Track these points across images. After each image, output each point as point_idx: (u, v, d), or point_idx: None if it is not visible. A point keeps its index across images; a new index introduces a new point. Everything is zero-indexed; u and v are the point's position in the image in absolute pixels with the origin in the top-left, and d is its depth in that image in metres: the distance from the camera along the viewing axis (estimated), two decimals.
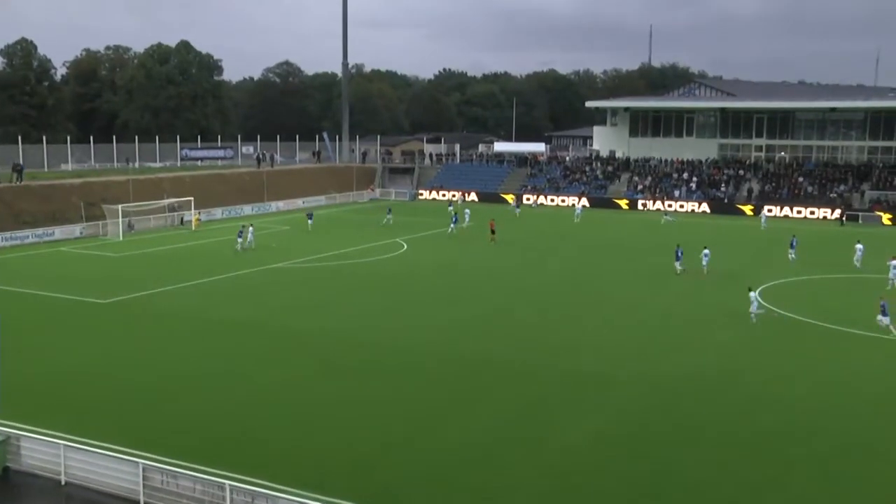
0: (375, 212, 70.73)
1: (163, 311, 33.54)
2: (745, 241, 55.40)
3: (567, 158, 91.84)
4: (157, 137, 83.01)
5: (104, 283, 39.69)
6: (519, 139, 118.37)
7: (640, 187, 79.26)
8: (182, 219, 62.39)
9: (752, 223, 65.59)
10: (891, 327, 30.23)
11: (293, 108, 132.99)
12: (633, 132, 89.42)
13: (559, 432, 20.94)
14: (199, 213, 62.10)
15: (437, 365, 26.46)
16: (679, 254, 42.24)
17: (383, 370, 25.89)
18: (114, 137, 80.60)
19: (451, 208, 67.65)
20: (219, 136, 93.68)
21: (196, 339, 29.46)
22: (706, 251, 42.45)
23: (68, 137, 75.63)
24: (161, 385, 24.31)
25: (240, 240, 50.11)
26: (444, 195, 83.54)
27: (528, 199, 78.56)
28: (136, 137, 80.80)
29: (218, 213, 67.06)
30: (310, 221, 58.25)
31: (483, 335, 29.98)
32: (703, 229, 61.91)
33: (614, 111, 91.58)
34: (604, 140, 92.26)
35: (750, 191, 74.82)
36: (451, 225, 58.32)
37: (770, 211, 69.74)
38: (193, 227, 59.45)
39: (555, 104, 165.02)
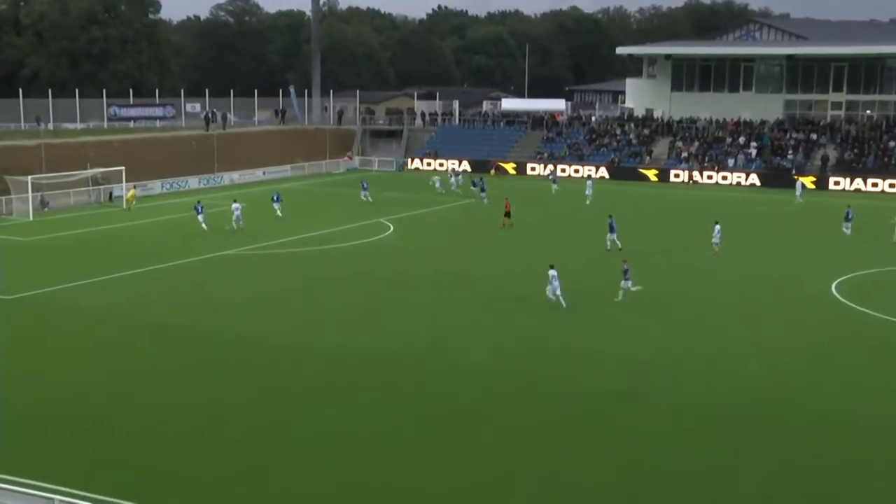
0: (354, 185, 70.21)
1: (81, 311, 33.22)
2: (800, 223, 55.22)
3: (593, 119, 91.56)
4: (76, 92, 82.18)
5: (8, 273, 39.16)
6: (533, 95, 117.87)
7: (684, 154, 79.02)
8: (111, 194, 61.84)
9: (813, 199, 65.38)
10: None
11: (250, 56, 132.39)
12: (676, 86, 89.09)
13: (576, 458, 20.85)
14: (136, 186, 61.52)
15: (424, 379, 26.40)
16: (613, 225, 44.32)
17: (349, 387, 25.72)
18: (19, 91, 79.75)
19: (436, 185, 67.19)
20: (156, 91, 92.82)
21: (121, 346, 29.23)
22: (717, 227, 44.00)
23: None
24: (81, 404, 24.05)
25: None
26: (441, 164, 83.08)
27: (563, 171, 78.52)
28: (50, 92, 79.97)
29: (156, 186, 66.49)
30: (276, 205, 54.50)
31: (480, 343, 29.85)
32: (740, 207, 62.22)
33: (652, 59, 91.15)
34: (639, 96, 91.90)
35: (825, 159, 74.47)
36: (482, 194, 60.83)
37: (838, 183, 69.50)
38: (126, 205, 58.87)
39: (577, 51, 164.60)
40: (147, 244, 46.37)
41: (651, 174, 77.27)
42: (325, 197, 63.05)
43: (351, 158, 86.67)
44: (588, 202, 60.78)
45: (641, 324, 32.00)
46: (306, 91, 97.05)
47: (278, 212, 54.19)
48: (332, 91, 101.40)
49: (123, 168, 61.18)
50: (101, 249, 45.05)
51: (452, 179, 68.14)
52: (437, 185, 66.64)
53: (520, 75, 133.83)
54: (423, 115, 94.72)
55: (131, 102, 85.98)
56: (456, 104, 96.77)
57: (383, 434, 22.26)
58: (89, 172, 61.27)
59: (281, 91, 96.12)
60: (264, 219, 54.22)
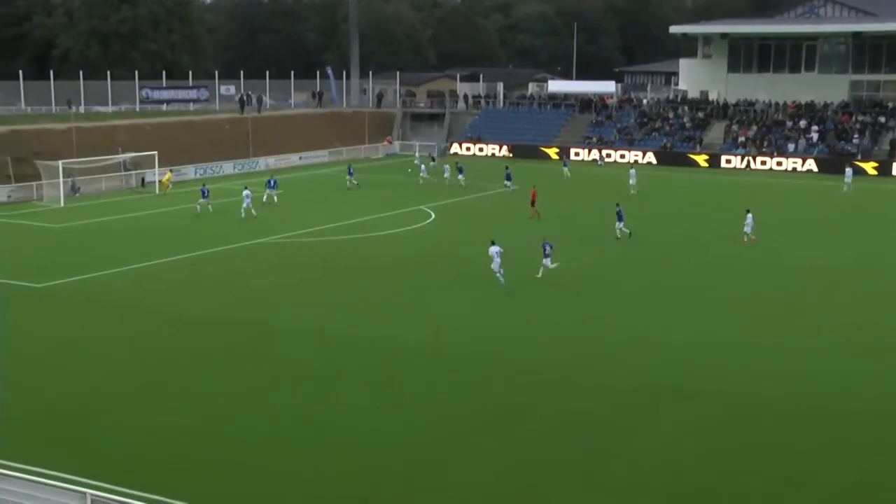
0: (394, 171, 70.43)
1: (112, 300, 33.60)
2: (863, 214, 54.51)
3: (644, 101, 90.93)
4: (108, 73, 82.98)
5: (39, 261, 39.82)
6: (581, 76, 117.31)
7: (741, 139, 78.24)
8: (143, 179, 62.50)
9: (875, 186, 64.44)
10: None
11: (286, 37, 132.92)
12: (734, 66, 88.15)
13: (608, 459, 20.77)
14: (171, 170, 62.07)
15: (454, 370, 26.50)
16: (620, 213, 44.51)
17: (382, 379, 25.88)
18: (50, 73, 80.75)
19: (419, 162, 67.72)
20: (189, 73, 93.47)
21: (151, 336, 29.54)
22: (749, 215, 44.09)
23: None
24: (103, 398, 24.35)
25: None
26: (481, 150, 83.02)
27: (608, 156, 78.29)
28: (81, 73, 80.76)
29: (189, 171, 67.08)
30: (273, 192, 54.85)
31: (516, 336, 29.84)
32: (790, 194, 61.75)
33: (707, 39, 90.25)
34: (693, 77, 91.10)
35: (894, 143, 73.30)
36: (508, 183, 59.77)
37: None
38: (160, 190, 59.45)
39: (628, 30, 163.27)
40: (180, 232, 46.85)
41: (701, 160, 76.72)
42: (363, 183, 63.13)
43: (391, 143, 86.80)
44: (633, 192, 59.35)
45: (672, 311, 31.93)
46: (344, 72, 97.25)
47: (274, 198, 54.39)
48: (370, 72, 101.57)
49: (156, 153, 61.79)
50: (132, 237, 45.55)
51: (428, 164, 68.40)
52: (423, 171, 65.45)
53: (567, 55, 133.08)
54: (465, 97, 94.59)
55: (164, 85, 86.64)
56: (500, 86, 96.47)
57: (417, 427, 22.38)
58: (121, 157, 61.99)
59: (318, 73, 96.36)
60: (300, 206, 54.56)
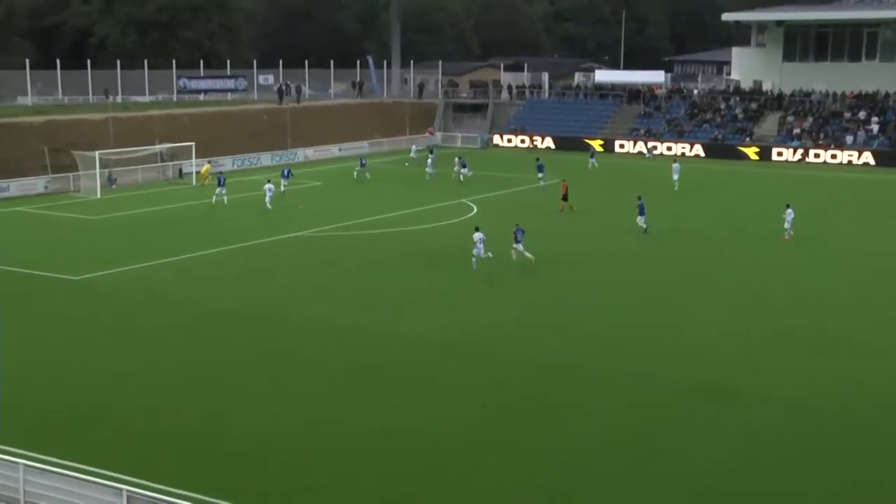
0: (437, 162, 70.30)
1: (148, 293, 33.95)
2: None
3: (695, 92, 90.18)
4: (145, 62, 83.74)
5: (76, 253, 40.30)
6: (629, 66, 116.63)
7: (795, 131, 77.31)
8: (180, 171, 63.00)
9: None
10: None
11: (326, 25, 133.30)
12: (789, 55, 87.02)
13: (665, 461, 20.62)
14: (209, 162, 62.51)
15: (500, 369, 26.47)
16: (642, 207, 44.30)
17: (420, 375, 25.98)
18: (87, 62, 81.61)
19: (415, 156, 67.27)
20: (227, 62, 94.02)
21: (188, 331, 29.84)
22: (789, 210, 43.56)
23: (26, 62, 76.51)
24: (143, 392, 24.57)
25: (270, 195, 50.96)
26: (522, 141, 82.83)
27: (654, 148, 77.73)
28: (118, 62, 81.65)
29: (227, 163, 67.51)
30: (284, 181, 55.80)
31: (563, 334, 29.84)
32: (843, 188, 61.07)
33: (762, 26, 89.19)
34: (746, 67, 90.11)
35: None
36: (540, 175, 58.72)
37: None
38: (198, 182, 59.86)
39: (678, 18, 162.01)
40: (217, 224, 47.21)
41: (751, 153, 76.00)
42: (404, 175, 63.30)
43: (432, 134, 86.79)
44: (676, 188, 58.40)
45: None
46: (385, 62, 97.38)
47: (281, 187, 54.67)
48: (412, 62, 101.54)
49: (193, 144, 62.27)
50: (169, 229, 45.99)
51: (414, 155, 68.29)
52: (430, 165, 64.27)
53: (615, 44, 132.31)
54: (509, 87, 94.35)
55: (201, 74, 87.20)
56: (545, 76, 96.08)
57: (457, 426, 22.40)
58: (158, 148, 62.53)
59: (358, 62, 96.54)
60: (340, 198, 54.75)
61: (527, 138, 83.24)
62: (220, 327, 30.12)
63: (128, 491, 17.49)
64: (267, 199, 50.27)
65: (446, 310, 32.27)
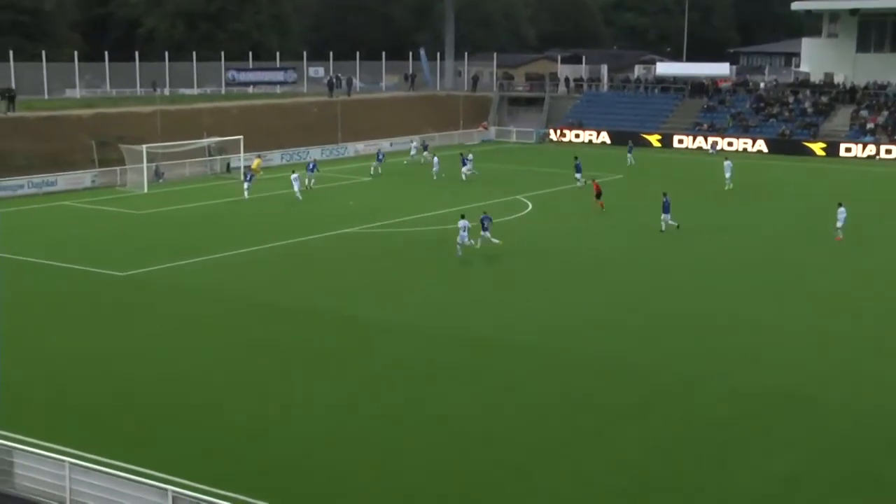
0: (490, 158, 70.33)
1: (196, 289, 34.47)
2: None
3: (761, 85, 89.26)
4: (193, 54, 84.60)
5: (122, 249, 40.92)
6: (692, 58, 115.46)
7: (869, 126, 76.26)
8: (228, 165, 63.62)
9: None
10: None
11: (378, 16, 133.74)
12: (863, 46, 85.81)
13: (735, 474, 20.42)
14: (260, 156, 63.09)
15: (554, 372, 26.49)
16: (667, 204, 44.29)
17: (481, 376, 26.12)
18: (135, 54, 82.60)
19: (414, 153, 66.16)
20: (277, 54, 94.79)
21: (238, 328, 30.18)
22: (842, 209, 43.21)
23: (75, 53, 77.77)
24: (189, 390, 24.97)
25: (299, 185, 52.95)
26: (577, 136, 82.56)
27: (714, 143, 77.21)
28: (167, 54, 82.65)
29: (276, 157, 68.07)
30: (310, 174, 57.03)
31: (614, 335, 29.86)
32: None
33: (834, 15, 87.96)
34: (817, 58, 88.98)
35: None
36: (577, 175, 58.08)
37: None
38: (255, 174, 60.40)
39: (744, 7, 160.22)
40: (265, 220, 47.62)
41: (818, 149, 75.16)
42: (458, 171, 63.18)
43: (486, 128, 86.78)
44: (728, 187, 57.40)
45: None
46: (438, 54, 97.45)
47: (310, 181, 55.82)
48: (466, 54, 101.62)
49: (241, 137, 62.86)
50: (217, 225, 46.53)
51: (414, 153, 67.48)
52: (436, 164, 62.57)
53: (677, 35, 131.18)
54: (566, 80, 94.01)
55: (250, 66, 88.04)
56: (604, 69, 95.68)
57: (507, 427, 22.51)
58: (205, 142, 63.18)
59: (410, 54, 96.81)
60: (392, 194, 54.98)
61: (582, 133, 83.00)
62: (267, 324, 30.43)
63: (173, 491, 17.78)
64: (296, 189, 52.11)
65: (498, 308, 32.38)
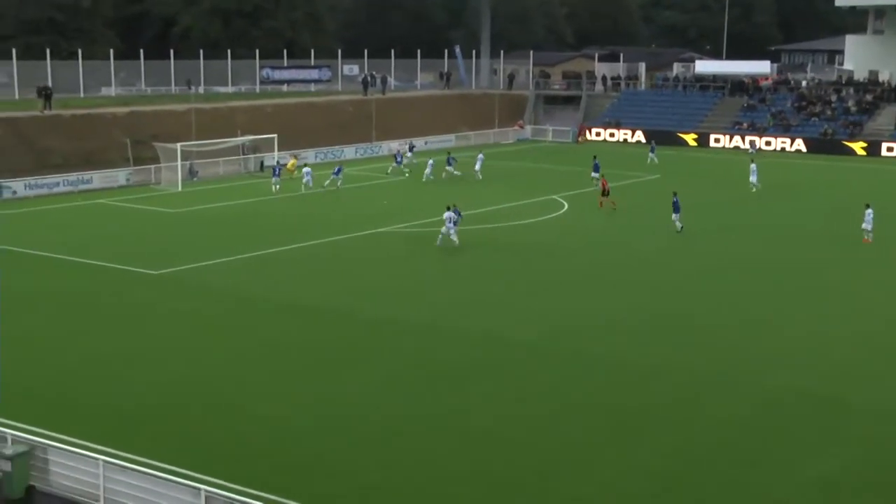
0: (526, 157, 70.40)
1: (227, 288, 34.72)
2: None
3: (803, 83, 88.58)
4: (228, 52, 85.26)
5: (156, 247, 41.32)
6: (732, 56, 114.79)
7: None
8: (262, 163, 64.02)
9: None
10: None
11: (413, 13, 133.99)
12: None
13: (767, 479, 20.30)
14: (296, 156, 63.48)
15: (577, 374, 26.54)
16: (677, 204, 44.20)
17: (495, 377, 26.20)
18: (171, 52, 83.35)
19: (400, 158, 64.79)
20: (311, 52, 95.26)
21: (266, 328, 30.41)
22: (869, 210, 42.80)
23: (111, 52, 78.64)
24: (218, 390, 25.19)
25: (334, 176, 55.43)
26: (612, 135, 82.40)
27: (751, 143, 76.87)
28: (201, 52, 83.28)
29: (310, 156, 68.45)
30: (336, 176, 56.90)
31: (640, 336, 29.85)
32: None
33: (880, 11, 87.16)
34: (861, 56, 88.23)
35: None
36: (594, 175, 57.35)
37: None
38: (285, 176, 60.74)
39: (787, 4, 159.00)
40: (298, 219, 47.89)
41: (858, 148, 74.64)
42: (493, 170, 63.35)
43: (522, 127, 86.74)
44: (754, 190, 56.58)
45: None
46: (473, 52, 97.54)
47: (338, 184, 56.15)
48: (501, 52, 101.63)
49: (275, 136, 63.26)
50: (250, 224, 46.80)
51: (407, 155, 66.40)
52: (428, 168, 60.94)
53: (717, 33, 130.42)
54: (604, 78, 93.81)
55: (285, 64, 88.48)
56: (642, 67, 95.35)
57: (534, 429, 22.55)
58: (239, 140, 63.62)
59: (446, 52, 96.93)
60: (425, 194, 55.10)
61: (616, 132, 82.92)
62: (299, 324, 30.66)
63: (206, 491, 17.98)
64: (308, 180, 55.32)
65: (523, 309, 32.46)
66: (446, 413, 23.61)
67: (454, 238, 40.61)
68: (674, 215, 44.49)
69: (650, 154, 68.69)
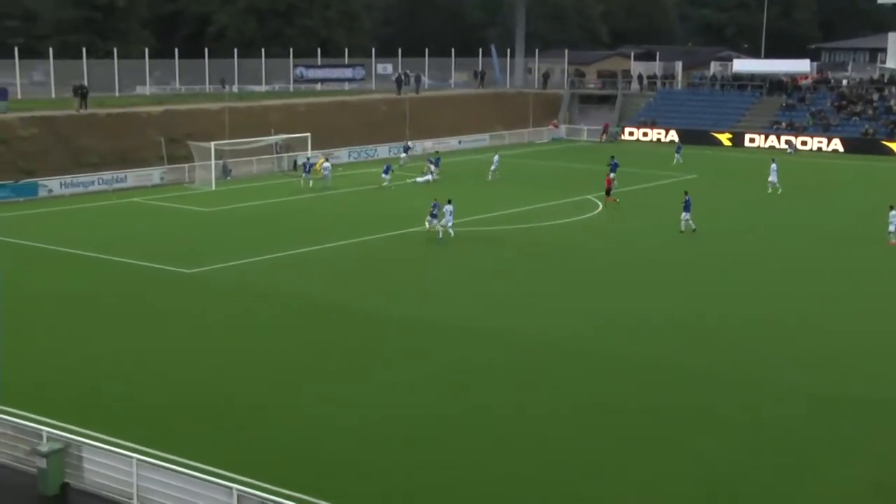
0: (560, 156, 70.34)
1: (259, 287, 34.98)
2: None
3: (844, 82, 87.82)
4: (262, 51, 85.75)
5: (190, 246, 41.71)
6: (770, 55, 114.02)
7: None
8: (295, 163, 64.37)
9: None
10: None
11: (447, 11, 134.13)
12: None
13: (813, 483, 20.32)
14: (327, 158, 63.68)
15: (615, 375, 26.60)
16: (688, 203, 44.33)
17: (531, 377, 26.27)
18: (205, 51, 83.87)
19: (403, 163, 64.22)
20: (345, 50, 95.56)
21: (298, 328, 30.70)
22: (893, 212, 42.60)
23: (146, 51, 79.31)
24: (252, 389, 25.40)
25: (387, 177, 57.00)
26: (645, 135, 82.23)
27: (787, 143, 76.40)
28: (236, 51, 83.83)
29: (343, 155, 68.72)
30: (386, 177, 57.28)
31: (678, 337, 29.89)
32: None
33: None
34: None
35: None
36: (612, 174, 56.24)
37: None
38: (313, 175, 61.11)
39: (827, 2, 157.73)
40: (332, 218, 48.13)
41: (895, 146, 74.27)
42: (527, 170, 63.48)
43: (557, 126, 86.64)
44: (772, 191, 55.85)
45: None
46: (508, 50, 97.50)
47: (386, 182, 56.45)
48: (536, 50, 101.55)
49: (308, 135, 63.59)
50: (283, 223, 47.15)
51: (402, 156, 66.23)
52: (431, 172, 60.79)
53: (755, 31, 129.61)
54: (639, 77, 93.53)
55: (318, 63, 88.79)
56: (678, 65, 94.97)
57: (571, 430, 22.59)
58: (273, 139, 63.99)
59: (480, 50, 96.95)
60: (460, 193, 55.18)
61: (650, 131, 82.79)
62: (332, 323, 30.86)
63: (238, 490, 18.18)
64: (324, 176, 57.27)
65: (557, 308, 32.54)
66: (480, 414, 23.70)
67: (450, 231, 42.24)
68: (684, 214, 44.43)
69: (676, 154, 68.47)
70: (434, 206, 42.64)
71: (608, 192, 52.08)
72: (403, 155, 66.60)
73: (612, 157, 58.87)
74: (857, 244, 43.25)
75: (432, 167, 60.77)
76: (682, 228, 44.46)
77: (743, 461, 21.17)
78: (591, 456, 21.49)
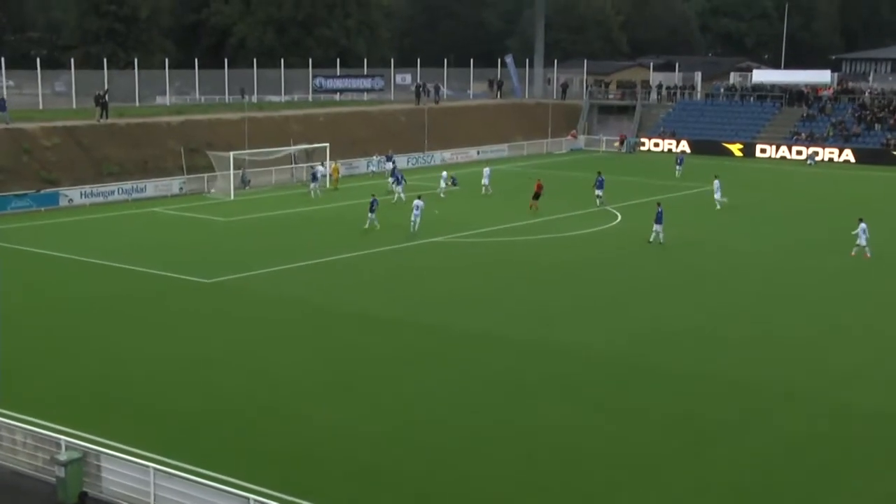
0: (578, 167, 70.32)
1: (280, 297, 35.12)
2: None
3: (866, 93, 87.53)
4: (282, 61, 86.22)
5: (208, 256, 41.90)
6: (791, 65, 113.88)
7: None
8: (314, 173, 64.51)
9: None
10: None
11: (466, 21, 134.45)
12: None
13: (843, 496, 20.27)
14: (339, 164, 63.95)
15: (645, 385, 26.56)
16: (660, 215, 44.27)
17: (562, 388, 26.34)
18: (225, 61, 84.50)
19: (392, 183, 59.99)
20: (364, 60, 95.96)
21: (321, 337, 30.75)
22: (863, 225, 42.06)
23: (166, 61, 79.99)
24: (271, 399, 25.48)
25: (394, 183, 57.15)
26: (656, 145, 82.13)
27: (816, 154, 76.40)
28: (255, 61, 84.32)
29: (361, 165, 68.91)
30: (399, 188, 56.62)
31: (709, 348, 29.93)
32: None
33: None
34: None
35: None
36: (598, 192, 55.44)
37: None
38: (330, 185, 61.44)
39: (850, 10, 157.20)
40: (350, 227, 48.12)
41: None
42: (546, 180, 63.22)
43: (576, 137, 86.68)
44: (719, 207, 54.48)
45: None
46: (527, 61, 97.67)
47: (400, 194, 55.79)
48: (555, 61, 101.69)
49: (327, 145, 63.83)
50: (302, 232, 47.36)
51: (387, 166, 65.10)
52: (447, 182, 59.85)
53: (776, 41, 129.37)
54: (659, 88, 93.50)
55: (337, 73, 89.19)
56: (698, 76, 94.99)
57: (598, 441, 22.56)
58: (291, 149, 64.28)
59: (499, 61, 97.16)
60: (478, 203, 55.30)
61: (661, 142, 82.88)
62: (353, 333, 30.96)
63: (255, 500, 18.25)
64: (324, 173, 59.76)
65: (586, 319, 32.60)
66: (512, 423, 23.73)
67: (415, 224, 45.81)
68: (655, 226, 44.33)
69: (677, 167, 68.31)
70: (373, 201, 47.28)
71: (536, 197, 53.03)
72: (388, 165, 64.70)
73: (599, 173, 56.86)
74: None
75: (443, 183, 59.20)
76: (651, 240, 44.30)
77: (772, 473, 21.12)
78: (629, 465, 21.47)
